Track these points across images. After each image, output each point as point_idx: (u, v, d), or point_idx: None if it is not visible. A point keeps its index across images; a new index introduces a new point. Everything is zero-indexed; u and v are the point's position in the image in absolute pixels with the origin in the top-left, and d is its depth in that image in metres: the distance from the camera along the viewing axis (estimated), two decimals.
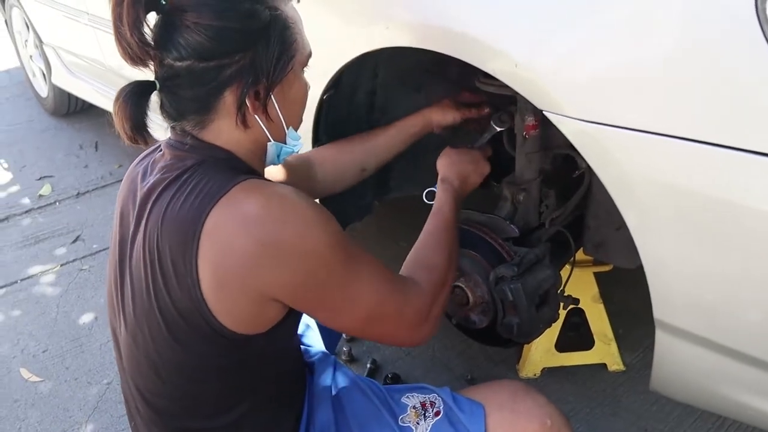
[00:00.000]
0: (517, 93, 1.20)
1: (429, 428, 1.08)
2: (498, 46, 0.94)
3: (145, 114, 0.94)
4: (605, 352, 1.84)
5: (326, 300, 0.93)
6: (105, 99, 3.00)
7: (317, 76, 1.31)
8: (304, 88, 1.04)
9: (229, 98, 0.93)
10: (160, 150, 1.01)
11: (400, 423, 1.10)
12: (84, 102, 3.59)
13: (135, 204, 0.98)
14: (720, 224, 0.83)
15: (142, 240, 0.93)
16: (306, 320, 1.37)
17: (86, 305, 2.31)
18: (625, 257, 1.42)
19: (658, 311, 0.95)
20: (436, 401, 1.12)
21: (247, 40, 0.91)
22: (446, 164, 1.30)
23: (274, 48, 0.93)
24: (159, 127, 1.06)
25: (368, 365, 1.90)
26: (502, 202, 1.38)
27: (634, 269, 1.45)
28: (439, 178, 1.27)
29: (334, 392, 1.16)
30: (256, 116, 0.95)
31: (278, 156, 1.04)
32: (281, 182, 1.03)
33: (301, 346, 1.27)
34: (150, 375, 0.99)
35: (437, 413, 1.10)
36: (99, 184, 3.19)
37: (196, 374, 0.97)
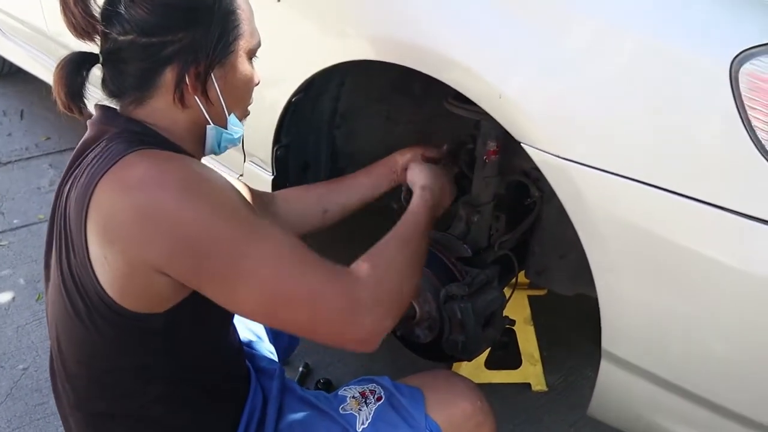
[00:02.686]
0: (484, 118, 1.26)
1: (372, 413, 1.09)
2: (487, 77, 0.97)
3: (83, 84, 0.94)
4: (531, 372, 1.91)
5: (218, 274, 0.85)
6: (39, 66, 2.85)
7: (290, 79, 1.31)
8: (249, 75, 1.02)
9: (169, 75, 0.93)
10: None
11: (340, 411, 1.10)
12: (12, 66, 3.39)
13: (62, 179, 0.97)
14: (675, 266, 0.89)
15: (56, 211, 0.94)
16: (255, 329, 1.36)
17: (3, 284, 2.19)
18: (565, 285, 1.48)
19: (607, 342, 1.00)
20: (376, 389, 1.13)
21: (189, 19, 0.92)
22: (428, 175, 1.25)
23: (216, 29, 0.94)
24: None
25: (300, 369, 1.89)
26: (456, 221, 1.42)
27: (569, 297, 1.54)
28: (419, 185, 1.22)
29: (276, 401, 1.15)
30: (195, 97, 0.95)
31: (219, 144, 1.02)
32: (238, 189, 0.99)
33: (246, 350, 1.25)
34: (67, 348, 0.97)
35: (379, 398, 1.11)
36: (23, 155, 3.03)
37: (99, 351, 0.94)
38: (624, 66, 0.89)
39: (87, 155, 0.92)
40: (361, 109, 1.58)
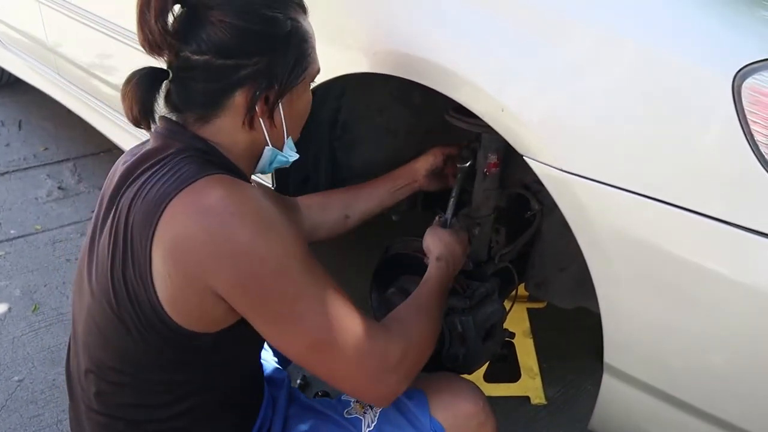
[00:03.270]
0: (485, 131, 1.27)
1: (377, 415, 1.09)
2: (489, 91, 0.97)
3: (155, 100, 0.95)
4: (530, 385, 1.90)
5: (271, 312, 0.89)
6: (38, 77, 2.85)
7: None
8: (310, 101, 1.05)
9: (239, 98, 0.94)
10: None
11: (345, 415, 1.11)
12: (11, 76, 3.39)
13: (113, 185, 0.97)
14: (677, 280, 0.88)
15: (113, 218, 0.93)
16: None
17: None
18: (565, 298, 1.48)
19: (609, 356, 1.00)
20: None
21: (267, 45, 0.93)
22: (442, 244, 1.26)
23: (291, 57, 0.95)
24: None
25: (298, 381, 1.88)
26: None
27: (568, 310, 1.53)
28: (434, 255, 1.24)
29: (283, 410, 1.15)
30: (261, 120, 0.96)
31: (270, 163, 1.04)
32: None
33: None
34: (102, 355, 0.97)
35: None
36: (21, 165, 3.02)
37: (140, 362, 0.95)
38: (625, 78, 0.89)
39: (152, 167, 0.92)
40: (362, 121, 1.58)
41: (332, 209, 1.42)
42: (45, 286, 2.23)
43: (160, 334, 0.90)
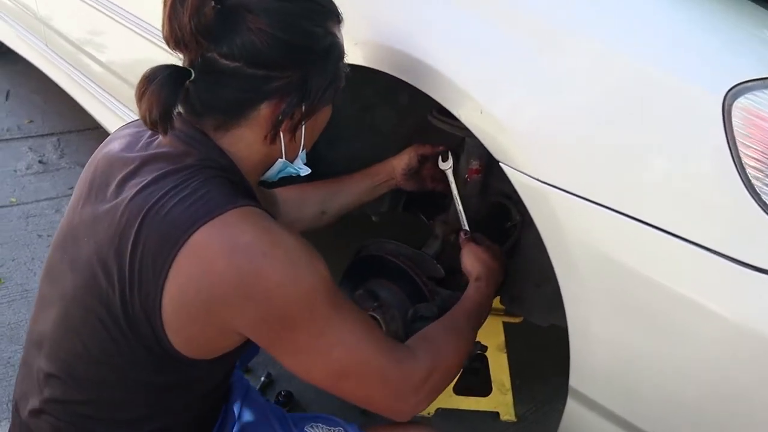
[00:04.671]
0: (468, 135, 1.21)
1: None
2: (470, 91, 0.92)
3: (177, 103, 0.86)
4: (500, 401, 1.85)
5: (296, 346, 0.87)
6: (26, 46, 2.79)
7: None
8: (330, 111, 1.01)
9: (264, 111, 0.89)
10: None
11: None
12: (1, 46, 3.33)
13: (110, 174, 0.90)
14: (653, 306, 0.84)
15: (114, 218, 0.86)
16: None
17: None
18: (540, 315, 1.43)
19: (575, 380, 0.95)
20: None
21: (303, 60, 0.88)
22: (478, 263, 1.23)
23: (327, 75, 0.91)
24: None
25: (262, 378, 1.83)
26: (432, 239, 1.37)
27: (545, 327, 1.48)
28: (473, 276, 1.21)
29: (240, 422, 1.09)
30: (281, 134, 0.91)
31: (279, 172, 1.00)
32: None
33: None
34: (73, 360, 0.91)
35: None
36: (3, 136, 2.96)
37: (122, 380, 0.90)
38: (614, 93, 0.84)
39: (169, 176, 0.85)
40: (345, 117, 1.52)
41: (309, 204, 1.38)
42: (13, 260, 2.17)
43: (154, 357, 0.86)
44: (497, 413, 1.85)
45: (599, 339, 0.90)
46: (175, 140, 0.89)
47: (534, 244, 1.36)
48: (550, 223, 0.88)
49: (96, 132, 2.98)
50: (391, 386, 0.92)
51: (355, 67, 1.14)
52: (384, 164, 1.41)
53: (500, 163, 0.91)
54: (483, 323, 1.14)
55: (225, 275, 0.80)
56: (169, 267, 0.81)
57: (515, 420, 1.85)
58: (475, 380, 1.85)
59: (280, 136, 0.92)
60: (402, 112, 1.51)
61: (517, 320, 1.78)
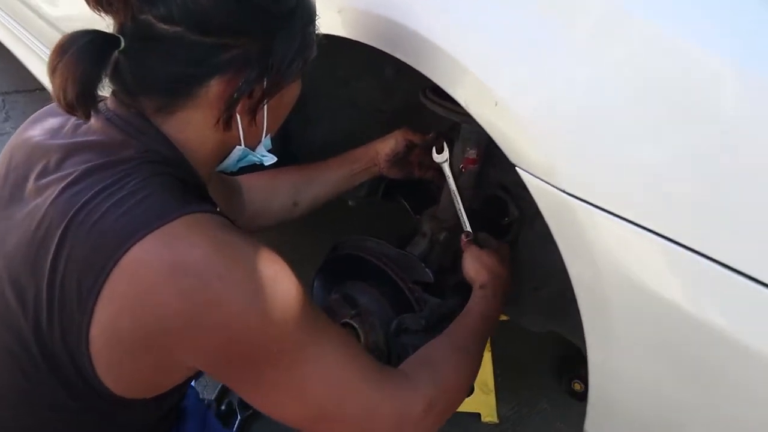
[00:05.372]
0: (467, 121, 1.04)
1: None
2: (481, 76, 0.74)
3: (101, 79, 0.68)
4: (482, 401, 1.73)
5: (263, 383, 0.71)
6: None
7: None
8: (299, 89, 0.83)
9: (215, 88, 0.71)
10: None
11: None
12: None
13: (33, 166, 0.73)
14: (695, 348, 0.69)
15: (28, 220, 0.69)
16: None
17: None
18: (536, 321, 1.29)
19: (591, 424, 0.81)
20: None
21: (265, 24, 0.70)
22: (483, 270, 1.07)
23: (295, 43, 0.73)
24: None
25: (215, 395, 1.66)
26: (419, 237, 1.20)
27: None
28: (477, 284, 1.06)
29: None
30: (238, 116, 0.74)
31: (238, 161, 0.83)
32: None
33: None
34: None
35: None
36: None
37: (42, 426, 0.74)
38: (668, 87, 0.65)
39: (100, 171, 0.68)
40: (323, 92, 1.35)
41: (279, 194, 1.20)
42: None
43: (80, 398, 0.70)
44: (478, 414, 1.73)
45: (625, 380, 0.76)
46: (108, 126, 0.72)
47: (534, 244, 1.22)
48: (576, 242, 0.72)
49: (45, 93, 2.73)
50: (384, 424, 0.77)
51: (337, 39, 0.96)
52: (366, 148, 1.23)
53: (517, 168, 0.74)
54: (488, 339, 1.00)
55: (170, 302, 0.63)
56: (100, 290, 0.64)
57: (497, 422, 1.73)
58: None
59: (237, 120, 0.74)
60: (388, 88, 1.33)
61: (504, 317, 1.64)
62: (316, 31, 0.80)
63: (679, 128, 0.65)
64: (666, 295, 0.69)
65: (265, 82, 0.72)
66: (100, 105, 0.74)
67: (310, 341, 0.71)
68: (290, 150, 1.41)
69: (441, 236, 1.18)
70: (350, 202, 1.53)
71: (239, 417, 1.56)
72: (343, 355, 0.75)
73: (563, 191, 0.71)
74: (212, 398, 1.58)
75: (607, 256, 0.71)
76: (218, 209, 0.74)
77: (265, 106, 0.76)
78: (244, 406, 1.57)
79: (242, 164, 0.84)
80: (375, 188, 1.43)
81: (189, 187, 0.73)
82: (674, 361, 0.72)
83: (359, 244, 1.17)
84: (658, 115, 0.66)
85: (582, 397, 1.78)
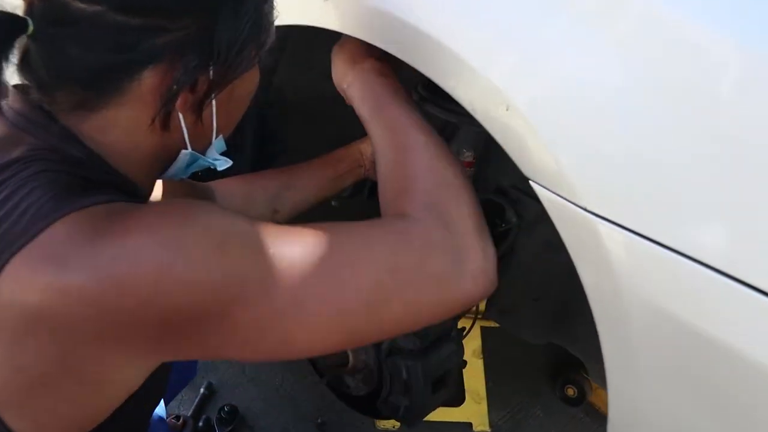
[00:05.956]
0: (465, 122, 0.95)
1: None
2: (487, 74, 0.64)
3: (2, 68, 0.57)
4: (474, 411, 1.65)
5: (247, 334, 0.57)
6: None
7: None
8: (256, 82, 0.72)
9: (148, 82, 0.59)
10: None
11: None
12: None
13: None
14: (731, 384, 0.61)
15: None
16: None
17: None
18: (534, 332, 1.21)
19: None
20: None
21: (205, 1, 0.58)
22: (340, 57, 0.88)
23: (243, 25, 0.60)
24: None
25: (202, 390, 1.57)
26: None
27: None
28: (344, 85, 0.86)
29: None
30: (180, 115, 0.62)
31: (188, 166, 0.70)
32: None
33: None
34: None
35: None
36: None
37: None
38: (700, 103, 0.57)
39: None
40: (302, 86, 1.24)
41: (258, 201, 1.08)
42: None
43: None
44: (470, 424, 1.65)
45: (650, 418, 0.68)
46: (2, 124, 0.61)
47: (534, 252, 1.13)
48: (596, 262, 0.64)
49: None
50: (426, 276, 0.62)
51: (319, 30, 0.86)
52: (349, 149, 1.12)
53: (531, 182, 0.65)
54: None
55: (69, 303, 0.51)
56: None
57: (489, 431, 1.66)
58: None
59: (179, 118, 0.63)
60: None
61: (496, 324, 1.57)
62: (274, 13, 0.68)
63: (709, 145, 0.56)
64: (692, 319, 0.61)
65: (210, 73, 0.61)
66: (5, 100, 0.62)
67: (267, 255, 0.57)
68: (268, 151, 1.31)
69: None
70: (333, 203, 1.44)
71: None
72: (315, 245, 0.59)
73: (583, 208, 0.62)
74: (188, 414, 1.49)
75: (630, 278, 0.62)
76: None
77: (213, 102, 0.65)
78: (222, 422, 1.48)
79: (194, 170, 0.73)
80: (360, 188, 1.33)
81: (99, 184, 0.60)
82: (698, 389, 0.64)
83: None
84: (689, 129, 0.57)
85: (575, 402, 1.72)
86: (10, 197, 0.54)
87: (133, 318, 0.52)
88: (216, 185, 1.06)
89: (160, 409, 0.99)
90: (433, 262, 0.63)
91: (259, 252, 0.56)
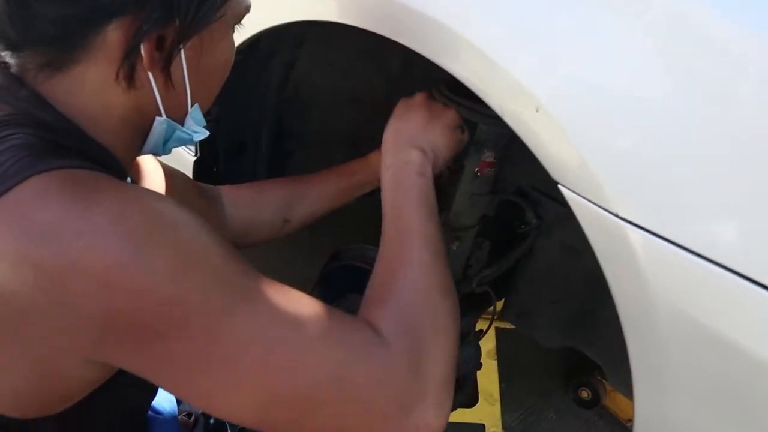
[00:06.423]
0: (487, 123, 0.94)
1: None
2: (515, 73, 0.62)
3: None
4: (487, 412, 1.64)
5: (176, 366, 0.54)
6: None
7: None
8: (231, 53, 0.70)
9: (113, 35, 0.58)
10: None
11: None
12: None
13: None
14: (752, 390, 0.59)
15: None
16: None
17: None
18: (551, 336, 1.19)
19: None
20: None
21: None
22: (391, 135, 0.85)
23: None
24: None
25: None
26: None
27: None
28: (383, 178, 0.82)
29: None
30: (150, 75, 0.61)
31: (165, 141, 0.69)
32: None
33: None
34: None
35: None
36: None
37: None
38: (745, 108, 0.55)
39: None
40: (320, 83, 1.23)
41: (267, 209, 1.06)
42: None
43: None
44: (483, 425, 1.64)
45: (679, 426, 0.66)
46: None
47: (552, 254, 1.11)
48: (626, 270, 0.62)
49: None
50: (361, 407, 0.57)
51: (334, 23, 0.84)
52: (362, 162, 1.09)
53: (560, 186, 0.63)
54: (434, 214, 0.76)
55: (26, 277, 0.50)
56: None
57: None
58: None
59: (150, 79, 0.61)
60: (393, 81, 1.22)
61: (510, 326, 1.55)
62: None
63: (745, 148, 0.54)
64: (724, 328, 0.59)
65: (175, 26, 0.60)
66: None
67: (227, 299, 0.54)
68: (284, 148, 1.30)
69: (453, 246, 1.07)
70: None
71: (229, 431, 1.45)
72: (278, 311, 0.56)
73: (613, 213, 0.61)
74: (199, 411, 1.47)
75: (659, 284, 0.61)
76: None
77: (183, 62, 0.63)
78: None
79: (174, 144, 0.71)
80: (378, 187, 1.32)
81: (78, 156, 0.58)
82: (730, 400, 0.62)
83: (362, 253, 1.06)
84: (726, 133, 0.55)
85: (589, 405, 1.70)
86: None
87: (78, 304, 0.50)
88: (225, 190, 1.04)
89: (172, 407, 0.98)
90: (381, 397, 0.57)
91: (220, 291, 0.54)
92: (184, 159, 1.20)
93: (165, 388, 0.58)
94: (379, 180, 1.06)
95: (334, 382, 0.56)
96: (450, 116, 0.88)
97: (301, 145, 1.33)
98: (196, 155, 1.18)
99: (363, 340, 0.59)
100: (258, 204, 1.05)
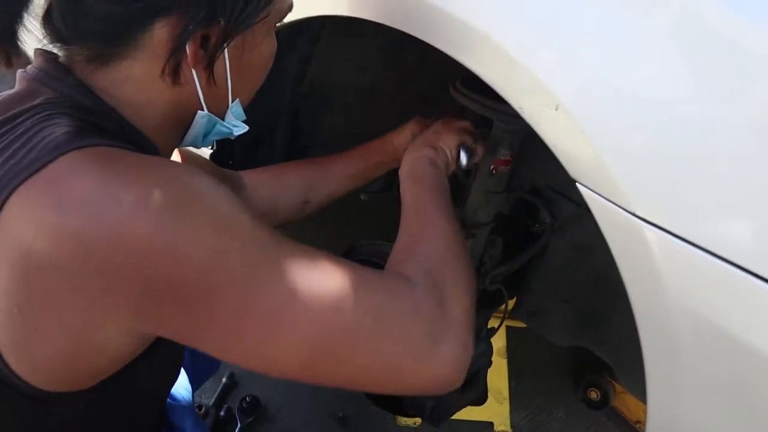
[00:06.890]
0: (503, 120, 0.94)
1: None
2: (535, 69, 0.63)
3: (20, 17, 0.62)
4: (496, 410, 1.64)
5: (217, 328, 0.56)
6: None
7: None
8: (272, 51, 0.72)
9: (160, 33, 0.60)
10: None
11: None
12: None
13: None
14: (766, 390, 0.59)
15: None
16: None
17: None
18: (562, 335, 1.19)
19: None
20: None
21: None
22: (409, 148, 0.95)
23: None
24: None
25: (224, 380, 1.57)
26: None
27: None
28: (400, 173, 0.89)
29: None
30: (194, 71, 0.63)
31: (206, 135, 0.71)
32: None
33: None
34: None
35: None
36: None
37: None
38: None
39: (3, 127, 0.58)
40: (337, 78, 1.23)
41: (288, 192, 1.08)
42: None
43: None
44: (491, 423, 1.64)
45: (685, 419, 0.66)
46: (23, 81, 0.63)
47: (565, 255, 1.11)
48: (644, 271, 0.62)
49: None
50: (393, 346, 0.60)
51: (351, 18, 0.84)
52: (382, 141, 1.11)
53: (578, 184, 0.63)
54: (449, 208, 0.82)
55: (61, 249, 0.51)
56: None
57: (510, 431, 1.64)
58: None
59: (192, 76, 0.63)
60: (409, 75, 1.22)
61: (523, 324, 1.55)
62: None
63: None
64: (742, 332, 0.59)
65: (223, 23, 0.61)
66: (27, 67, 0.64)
67: (263, 256, 0.57)
68: (300, 143, 1.30)
69: (468, 243, 1.07)
70: (363, 197, 1.43)
71: (239, 424, 1.47)
72: (314, 263, 0.59)
73: (631, 212, 0.61)
74: (210, 404, 1.49)
75: (676, 286, 0.61)
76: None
77: (227, 60, 0.65)
78: (244, 412, 1.48)
79: (214, 137, 0.73)
80: (390, 183, 1.32)
81: (116, 138, 0.60)
82: (751, 411, 0.62)
83: (376, 249, 1.06)
84: (748, 134, 0.55)
85: (598, 406, 1.70)
86: (24, 133, 0.56)
87: (118, 272, 0.52)
88: (245, 175, 1.06)
89: (189, 395, 0.99)
90: (414, 328, 0.61)
91: (257, 250, 0.56)
92: (200, 153, 1.21)
93: (206, 350, 0.58)
94: (396, 160, 1.07)
95: (372, 319, 0.59)
96: (464, 122, 0.97)
97: (316, 140, 1.33)
98: (212, 149, 1.19)
99: (393, 282, 0.64)
100: (280, 186, 1.06)
